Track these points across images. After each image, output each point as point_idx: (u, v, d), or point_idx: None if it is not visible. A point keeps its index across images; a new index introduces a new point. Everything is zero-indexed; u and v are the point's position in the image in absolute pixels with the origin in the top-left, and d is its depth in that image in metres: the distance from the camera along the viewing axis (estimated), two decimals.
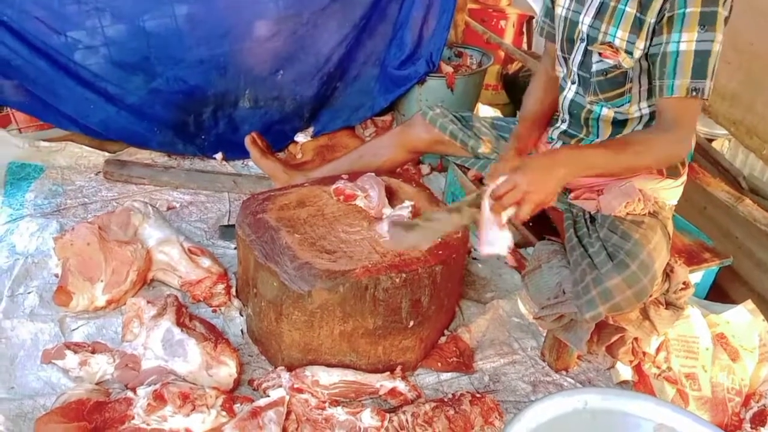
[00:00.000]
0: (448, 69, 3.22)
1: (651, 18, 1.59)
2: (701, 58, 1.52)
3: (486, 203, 1.52)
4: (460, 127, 2.17)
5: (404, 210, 2.00)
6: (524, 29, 4.37)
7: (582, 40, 1.76)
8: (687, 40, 1.53)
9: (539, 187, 1.46)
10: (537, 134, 2.05)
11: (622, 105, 1.77)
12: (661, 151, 1.61)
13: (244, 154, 2.69)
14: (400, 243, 1.70)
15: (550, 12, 1.95)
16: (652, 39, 1.62)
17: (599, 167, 1.60)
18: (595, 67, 1.74)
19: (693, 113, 1.61)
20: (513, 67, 4.06)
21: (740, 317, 2.07)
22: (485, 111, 3.80)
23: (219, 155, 3.10)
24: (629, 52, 1.66)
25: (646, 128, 1.78)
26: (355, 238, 1.92)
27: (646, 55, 1.66)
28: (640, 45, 1.64)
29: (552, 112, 2.06)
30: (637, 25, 1.62)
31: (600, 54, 1.71)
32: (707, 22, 1.51)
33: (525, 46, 4.39)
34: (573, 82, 1.85)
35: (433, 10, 3.12)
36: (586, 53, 1.76)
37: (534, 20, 4.37)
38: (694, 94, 1.54)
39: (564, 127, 1.96)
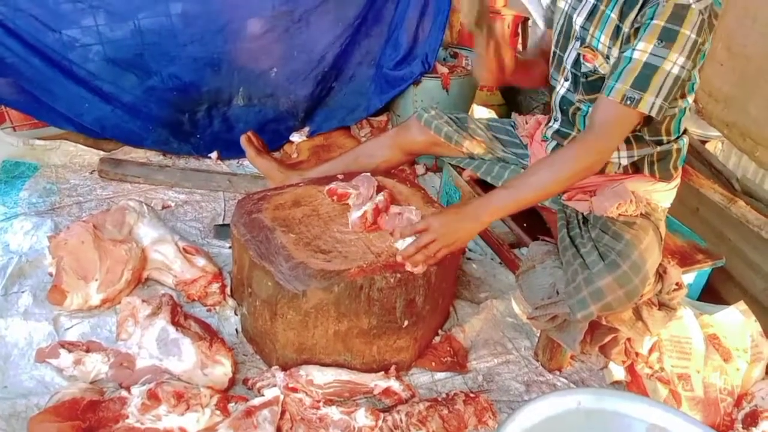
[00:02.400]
0: (443, 70, 3.23)
1: (626, 27, 1.60)
2: (649, 70, 1.52)
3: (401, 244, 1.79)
4: (455, 129, 2.18)
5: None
6: (519, 30, 4.38)
7: (577, 39, 1.77)
8: (641, 50, 1.53)
9: (446, 239, 1.69)
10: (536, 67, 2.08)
11: None
12: (573, 169, 1.63)
13: (239, 153, 2.69)
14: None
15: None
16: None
17: (511, 208, 1.74)
18: (582, 68, 1.75)
19: (622, 123, 1.61)
20: None
21: (733, 318, 2.09)
22: (480, 112, 3.80)
23: (214, 154, 3.10)
24: (607, 57, 1.67)
25: (571, 141, 1.80)
26: (350, 238, 1.92)
27: None
28: (615, 52, 1.65)
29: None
30: (616, 32, 1.64)
31: (583, 57, 1.72)
32: (666, 38, 1.50)
33: (520, 47, 4.40)
34: (566, 80, 1.86)
35: (428, 10, 3.13)
36: (579, 53, 1.77)
37: (529, 21, 4.38)
38: (628, 102, 1.54)
39: (557, 126, 1.96)
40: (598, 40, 1.67)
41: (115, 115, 2.89)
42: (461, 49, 3.57)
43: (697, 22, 1.49)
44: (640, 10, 1.56)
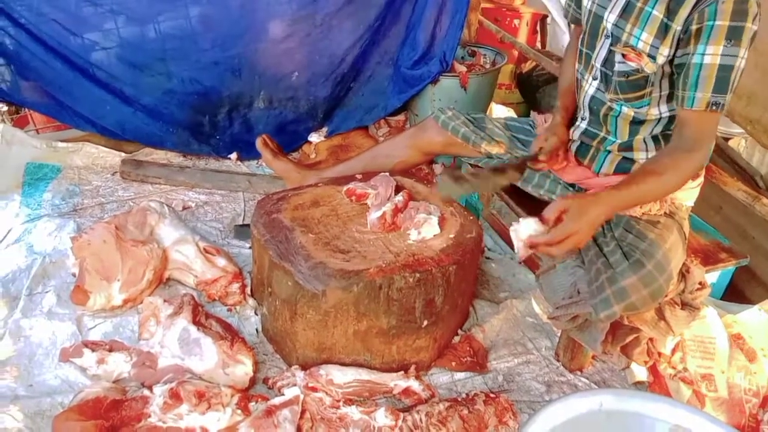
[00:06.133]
0: (461, 68, 3.22)
1: (677, 25, 1.56)
2: (724, 72, 1.51)
3: (522, 235, 1.55)
4: (472, 129, 2.16)
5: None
6: (538, 28, 4.35)
7: (606, 37, 1.74)
8: (712, 53, 1.50)
9: (586, 236, 1.51)
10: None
11: (642, 107, 1.75)
12: (687, 175, 1.62)
13: (259, 154, 2.70)
14: (444, 190, 1.76)
15: None
16: (677, 48, 1.60)
17: (635, 203, 1.69)
18: (617, 67, 1.72)
19: (713, 127, 1.60)
20: (527, 67, 4.05)
21: (757, 318, 2.06)
22: (499, 110, 3.79)
23: (234, 155, 3.12)
24: (652, 57, 1.63)
25: (669, 149, 1.68)
26: (368, 237, 1.93)
27: (670, 62, 1.64)
28: (664, 51, 1.61)
29: None
30: (663, 30, 1.60)
31: (623, 56, 1.69)
32: (734, 36, 1.48)
33: (539, 45, 4.38)
34: (594, 78, 1.83)
35: (446, 9, 3.11)
36: (611, 51, 1.74)
37: (548, 19, 4.35)
38: (713, 108, 1.53)
39: (584, 125, 1.94)
40: (638, 38, 1.64)
41: (136, 118, 2.93)
42: (479, 47, 3.55)
43: (757, 13, 1.50)
44: (695, 7, 1.53)
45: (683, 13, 1.55)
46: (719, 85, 1.52)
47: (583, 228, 1.48)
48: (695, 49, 1.53)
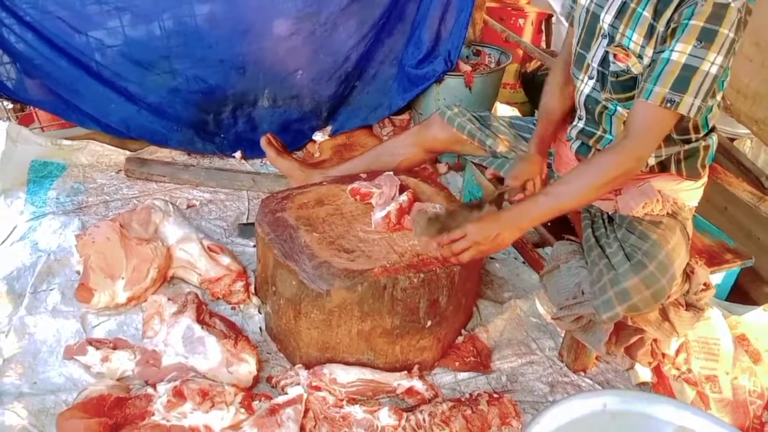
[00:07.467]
0: (466, 68, 3.21)
1: (661, 27, 1.57)
2: (688, 72, 1.49)
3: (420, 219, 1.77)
4: (477, 127, 2.17)
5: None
6: (543, 27, 4.35)
7: (604, 37, 1.74)
8: (680, 51, 1.49)
9: (486, 245, 1.67)
10: (557, 130, 2.07)
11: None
12: (612, 174, 1.61)
13: (263, 153, 2.70)
14: (420, 231, 1.79)
15: None
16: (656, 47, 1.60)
17: (550, 215, 1.72)
18: (611, 67, 1.72)
19: (662, 126, 1.59)
20: (531, 66, 4.04)
21: (762, 319, 2.05)
22: (503, 110, 3.78)
23: (238, 154, 3.12)
24: (640, 57, 1.64)
25: (606, 148, 1.77)
26: (373, 237, 1.93)
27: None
28: (649, 52, 1.61)
29: (572, 106, 2.05)
30: (650, 31, 1.60)
31: (614, 56, 1.70)
32: (705, 38, 1.47)
33: (544, 44, 4.37)
34: (591, 78, 1.83)
35: (451, 8, 3.11)
36: (607, 51, 1.74)
37: (553, 18, 4.35)
38: (668, 105, 1.51)
39: (581, 125, 1.94)
40: (630, 39, 1.64)
41: (140, 116, 2.93)
42: (484, 46, 3.55)
43: (735, 21, 1.47)
44: (676, 9, 1.53)
45: (667, 14, 1.55)
46: (679, 83, 1.50)
47: (480, 246, 1.65)
48: (668, 46, 1.53)
